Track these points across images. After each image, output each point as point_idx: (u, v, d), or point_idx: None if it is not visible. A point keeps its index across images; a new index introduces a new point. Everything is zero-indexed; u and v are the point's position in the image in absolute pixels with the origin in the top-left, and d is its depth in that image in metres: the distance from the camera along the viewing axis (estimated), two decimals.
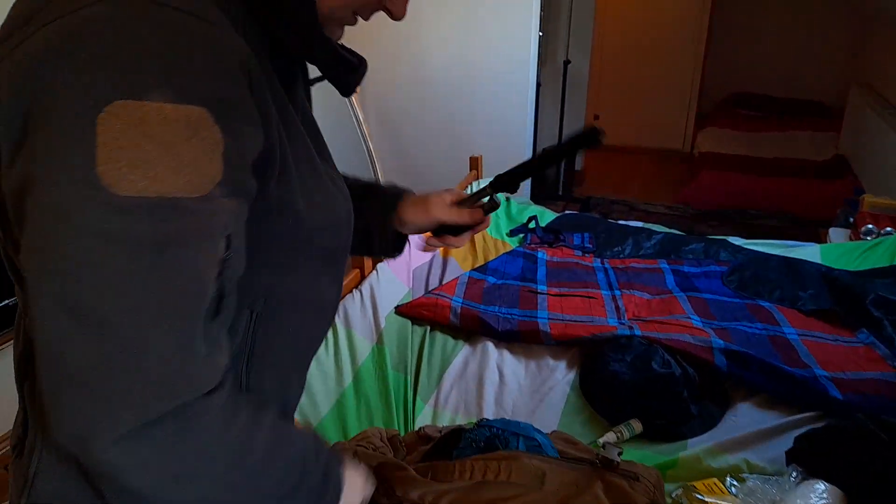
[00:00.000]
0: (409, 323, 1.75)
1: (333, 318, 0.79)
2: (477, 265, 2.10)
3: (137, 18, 0.45)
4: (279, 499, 0.57)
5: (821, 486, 1.15)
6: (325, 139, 0.71)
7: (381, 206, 0.90)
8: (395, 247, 0.93)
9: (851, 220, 2.90)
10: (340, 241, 0.71)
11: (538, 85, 3.18)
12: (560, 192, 4.17)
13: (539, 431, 1.04)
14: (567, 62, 3.83)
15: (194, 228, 0.46)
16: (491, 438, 1.02)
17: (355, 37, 0.77)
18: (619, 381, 1.44)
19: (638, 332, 1.56)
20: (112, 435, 0.44)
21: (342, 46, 0.64)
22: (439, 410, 1.49)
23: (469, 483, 0.95)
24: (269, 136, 0.53)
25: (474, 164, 2.59)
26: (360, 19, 0.64)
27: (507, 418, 1.06)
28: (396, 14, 0.64)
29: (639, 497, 0.97)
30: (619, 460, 0.99)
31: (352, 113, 2.94)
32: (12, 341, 0.63)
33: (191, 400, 0.47)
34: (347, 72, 0.63)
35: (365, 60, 0.66)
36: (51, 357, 0.45)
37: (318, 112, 0.71)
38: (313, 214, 0.62)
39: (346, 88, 0.66)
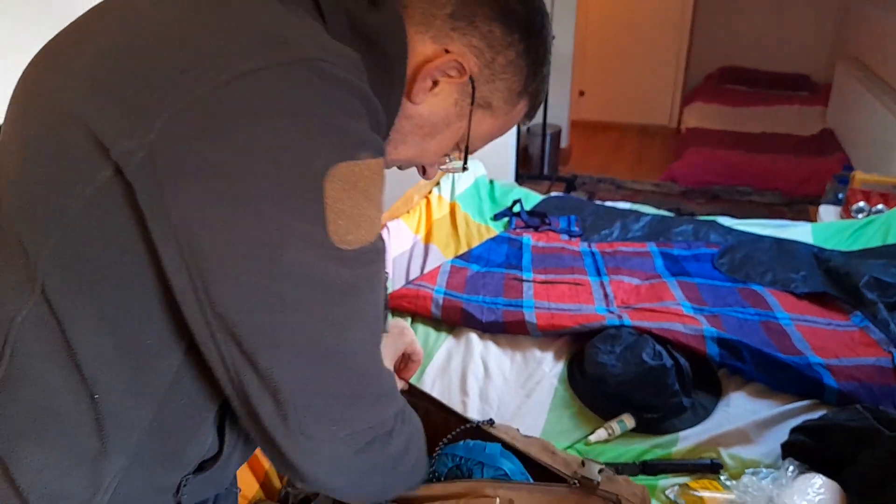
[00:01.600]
0: (389, 315, 1.68)
1: None
2: (460, 252, 2.03)
3: (329, 76, 0.49)
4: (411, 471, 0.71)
5: (818, 480, 1.11)
6: None
7: None
8: None
9: (841, 196, 2.86)
10: None
11: None
12: (545, 172, 4.10)
13: (508, 457, 0.95)
14: (551, 37, 3.73)
15: (381, 262, 0.55)
16: (453, 469, 0.95)
17: None
18: (609, 373, 1.38)
19: (628, 322, 1.51)
20: (352, 451, 0.56)
21: None
22: None
23: None
24: None
25: None
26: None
27: (473, 443, 0.97)
28: (429, 177, 0.75)
29: None
30: (599, 480, 0.91)
31: None
32: None
33: (402, 406, 0.62)
34: None
35: None
36: (300, 400, 0.51)
37: None
38: None
39: None
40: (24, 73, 0.57)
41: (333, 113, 0.49)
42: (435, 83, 0.64)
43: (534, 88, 0.71)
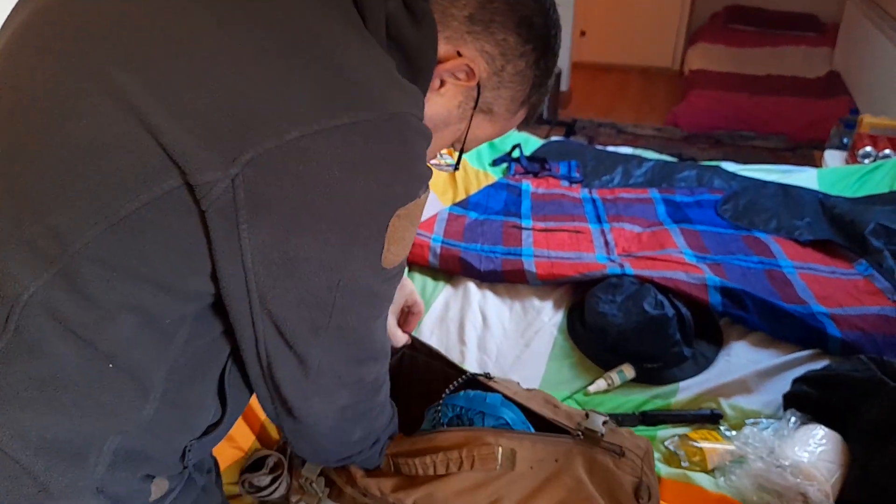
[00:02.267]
0: None
1: None
2: (458, 199, 1.98)
3: (410, 129, 0.53)
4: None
5: (820, 431, 1.10)
6: None
7: None
8: None
9: (847, 141, 2.80)
10: None
11: None
12: (544, 115, 4.00)
13: (509, 406, 0.94)
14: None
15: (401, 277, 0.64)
16: (454, 419, 0.93)
17: None
18: (609, 323, 1.36)
19: (629, 271, 1.47)
20: (348, 393, 0.68)
21: None
22: None
23: (432, 479, 0.85)
24: None
25: None
26: None
27: (474, 393, 0.95)
28: (466, 150, 0.75)
29: (624, 476, 0.88)
30: (603, 431, 0.90)
31: None
32: None
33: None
34: None
35: None
36: (324, 363, 0.62)
37: None
38: None
39: None
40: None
41: (414, 164, 0.54)
42: (442, 83, 0.65)
43: (536, 99, 0.72)
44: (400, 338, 0.98)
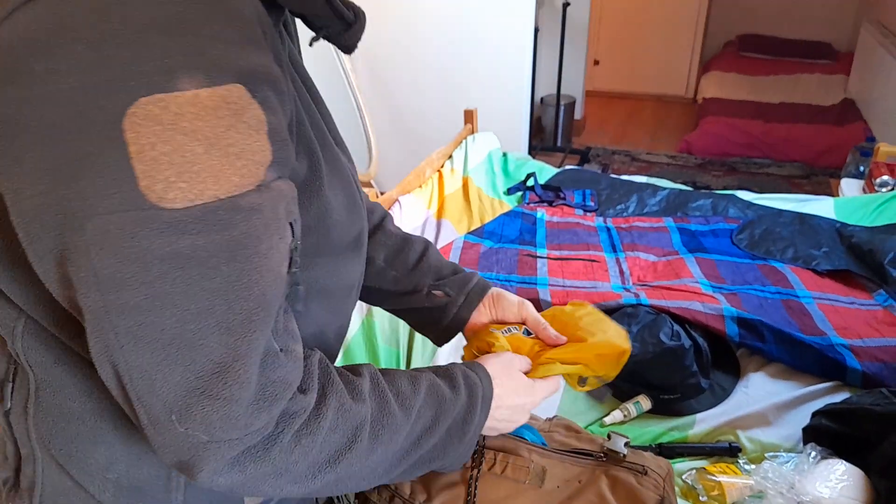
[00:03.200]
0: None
1: (356, 297, 0.71)
2: (473, 227, 1.99)
3: None
4: (417, 439, 0.57)
5: (841, 466, 1.08)
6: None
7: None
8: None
9: (863, 169, 2.78)
10: (362, 221, 0.63)
11: (535, 30, 3.01)
12: (559, 143, 4.02)
13: (528, 428, 0.95)
14: (566, 4, 3.63)
15: (262, 224, 0.41)
16: None
17: None
18: None
19: (645, 301, 1.47)
20: (220, 460, 0.43)
21: None
22: None
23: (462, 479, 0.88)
24: (290, 101, 0.46)
25: (469, 117, 2.46)
26: None
27: None
28: None
29: (647, 493, 0.89)
30: (626, 452, 0.92)
31: (339, 64, 2.78)
32: None
33: (288, 404, 0.45)
34: (341, 27, 0.54)
35: (363, 13, 0.57)
36: (143, 389, 0.40)
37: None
38: (333, 190, 0.54)
39: (346, 47, 0.57)
40: None
41: (131, 32, 0.36)
42: None
43: None
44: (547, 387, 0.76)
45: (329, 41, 0.56)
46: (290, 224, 0.44)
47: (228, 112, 0.38)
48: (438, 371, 0.63)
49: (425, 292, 0.82)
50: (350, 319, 0.71)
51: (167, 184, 0.37)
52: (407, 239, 0.86)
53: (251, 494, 0.47)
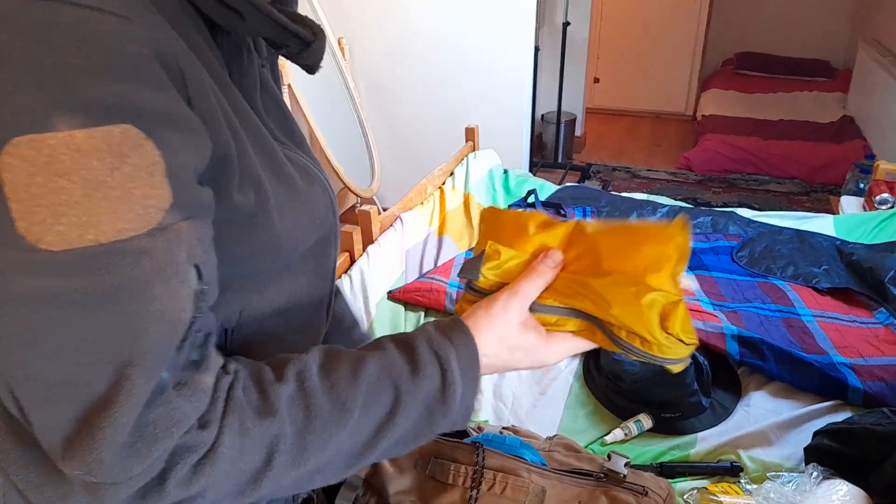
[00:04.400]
0: (402, 308, 1.66)
1: (326, 314, 0.67)
2: (474, 243, 2.00)
3: (15, 21, 0.35)
4: (375, 430, 0.50)
5: (843, 486, 1.08)
6: (310, 112, 0.60)
7: None
8: None
9: (862, 186, 2.80)
10: (325, 231, 0.60)
11: (536, 49, 3.03)
12: (559, 160, 4.04)
13: (528, 447, 0.95)
14: (566, 24, 3.67)
15: (152, 268, 0.39)
16: None
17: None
18: (625, 371, 1.35)
19: None
20: (117, 499, 0.41)
21: (295, 16, 0.53)
22: None
23: (459, 493, 0.88)
24: (219, 137, 0.44)
25: (470, 135, 2.47)
26: None
27: (493, 434, 0.97)
28: None
29: None
30: (626, 472, 0.92)
31: (342, 81, 2.80)
32: None
33: (183, 439, 0.42)
34: (299, 47, 0.53)
35: (322, 32, 0.55)
36: (36, 425, 0.40)
37: (304, 81, 0.60)
38: (288, 214, 0.53)
39: (307, 66, 0.55)
40: None
41: (21, 68, 0.35)
42: None
43: None
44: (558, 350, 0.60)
45: (290, 60, 0.55)
46: (196, 266, 0.42)
47: (111, 153, 0.37)
48: (399, 343, 0.53)
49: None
50: (321, 337, 0.67)
51: (44, 226, 0.36)
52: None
53: None
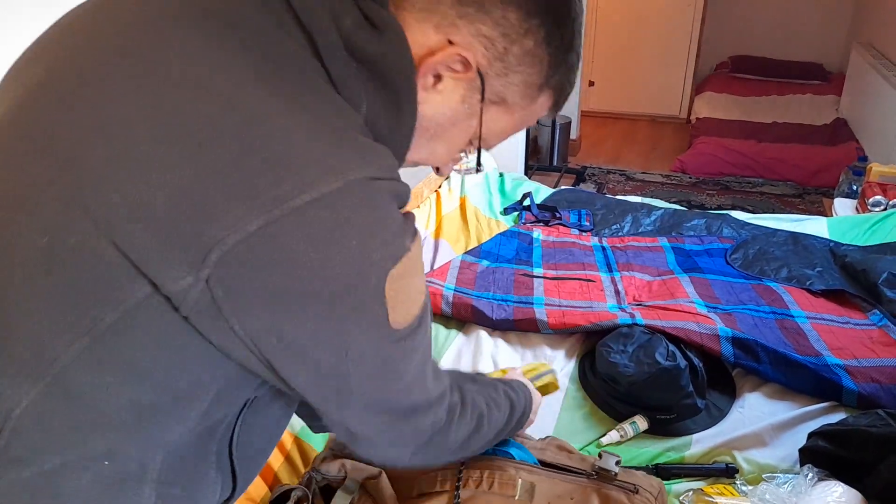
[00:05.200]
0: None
1: None
2: (470, 247, 2.00)
3: (372, 191, 0.50)
4: (505, 425, 0.84)
5: (839, 488, 1.08)
6: None
7: None
8: None
9: (856, 188, 2.81)
10: None
11: None
12: (554, 163, 4.05)
13: (516, 445, 0.96)
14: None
15: (429, 306, 0.60)
16: None
17: None
18: (621, 373, 1.35)
19: (640, 321, 1.48)
20: (409, 452, 0.65)
21: None
22: None
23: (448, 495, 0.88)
24: None
25: None
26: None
27: None
28: (442, 174, 0.73)
29: None
30: (617, 471, 0.92)
31: None
32: None
33: (455, 401, 0.70)
34: None
35: None
36: (380, 440, 0.61)
37: None
38: None
39: None
40: (14, 71, 0.54)
41: (386, 224, 0.50)
42: (438, 78, 0.57)
43: (557, 80, 0.62)
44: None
45: None
46: None
47: (421, 250, 0.56)
48: (509, 384, 0.88)
49: None
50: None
51: (403, 316, 0.54)
52: None
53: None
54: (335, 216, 0.47)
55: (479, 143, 0.64)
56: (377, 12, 0.53)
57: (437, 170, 0.69)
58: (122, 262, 0.45)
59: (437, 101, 0.58)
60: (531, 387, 0.98)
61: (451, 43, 0.55)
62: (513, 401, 0.85)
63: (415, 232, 0.54)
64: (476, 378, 0.82)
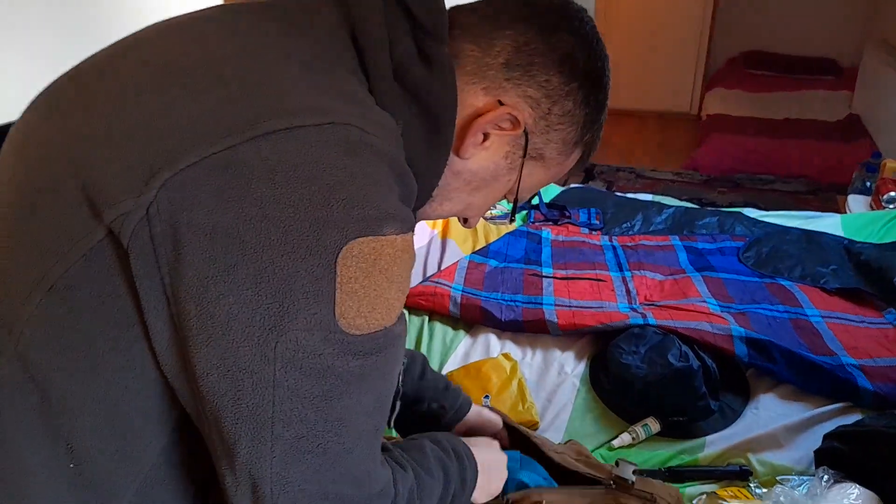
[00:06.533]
0: (407, 313, 1.65)
1: None
2: (478, 247, 1.99)
3: (359, 141, 0.45)
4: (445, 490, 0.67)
5: (854, 490, 1.06)
6: None
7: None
8: None
9: (870, 185, 2.78)
10: None
11: None
12: None
13: (528, 464, 0.94)
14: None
15: (399, 348, 0.50)
16: None
17: None
18: (633, 375, 1.34)
19: (652, 322, 1.46)
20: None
21: None
22: None
23: None
24: None
25: None
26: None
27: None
28: (469, 226, 0.71)
29: None
30: (634, 479, 0.91)
31: None
32: None
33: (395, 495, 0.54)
34: None
35: None
36: (286, 499, 0.46)
37: None
38: None
39: None
40: (22, 119, 0.54)
41: (359, 181, 0.44)
42: (486, 137, 0.61)
43: (589, 137, 0.67)
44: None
45: None
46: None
47: (405, 256, 0.47)
48: (438, 443, 0.72)
49: (426, 405, 0.92)
50: None
51: (356, 313, 0.44)
52: (410, 353, 0.95)
53: None
54: (303, 152, 0.42)
55: (516, 197, 0.67)
56: (432, 48, 0.55)
57: (465, 221, 0.72)
58: (82, 202, 0.43)
59: (483, 157, 0.62)
60: (480, 446, 0.82)
61: (500, 103, 0.59)
62: (447, 473, 0.69)
63: (404, 227, 0.47)
64: (406, 449, 0.67)
